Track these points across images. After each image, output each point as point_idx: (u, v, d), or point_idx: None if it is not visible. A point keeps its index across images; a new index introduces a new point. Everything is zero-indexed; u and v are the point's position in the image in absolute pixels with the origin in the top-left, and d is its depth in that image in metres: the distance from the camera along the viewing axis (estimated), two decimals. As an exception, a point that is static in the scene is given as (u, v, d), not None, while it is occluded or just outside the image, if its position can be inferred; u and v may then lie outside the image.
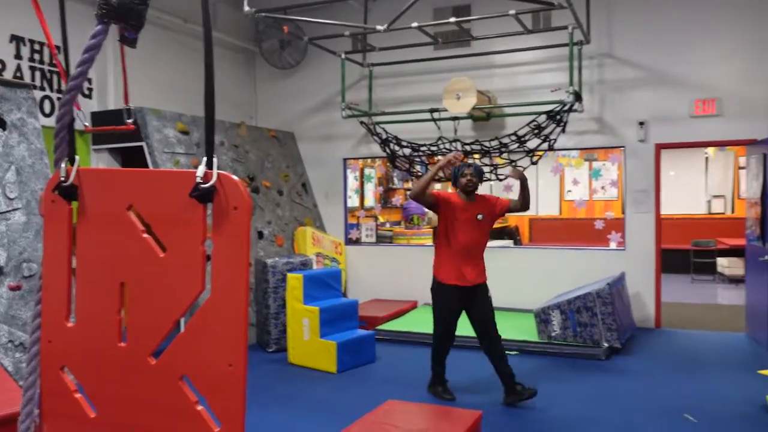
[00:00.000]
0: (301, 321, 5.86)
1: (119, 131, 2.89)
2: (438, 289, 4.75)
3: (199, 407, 1.54)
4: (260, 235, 7.48)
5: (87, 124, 1.94)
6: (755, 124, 6.83)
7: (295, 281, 5.95)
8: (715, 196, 12.62)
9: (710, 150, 12.17)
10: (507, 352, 6.24)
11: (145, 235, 1.56)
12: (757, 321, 6.61)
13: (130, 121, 2.08)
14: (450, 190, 5.36)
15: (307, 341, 5.82)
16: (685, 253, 11.16)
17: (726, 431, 4.17)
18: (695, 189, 12.67)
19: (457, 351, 6.42)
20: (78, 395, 1.66)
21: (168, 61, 7.61)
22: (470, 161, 4.90)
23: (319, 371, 5.69)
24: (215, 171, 1.45)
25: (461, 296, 4.66)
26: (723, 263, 10.80)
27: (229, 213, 1.45)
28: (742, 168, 11.18)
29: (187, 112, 7.12)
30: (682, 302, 8.84)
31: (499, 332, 4.79)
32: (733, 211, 12.37)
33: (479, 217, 4.65)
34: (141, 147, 6.55)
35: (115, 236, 1.60)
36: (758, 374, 4.88)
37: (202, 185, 1.46)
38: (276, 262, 6.47)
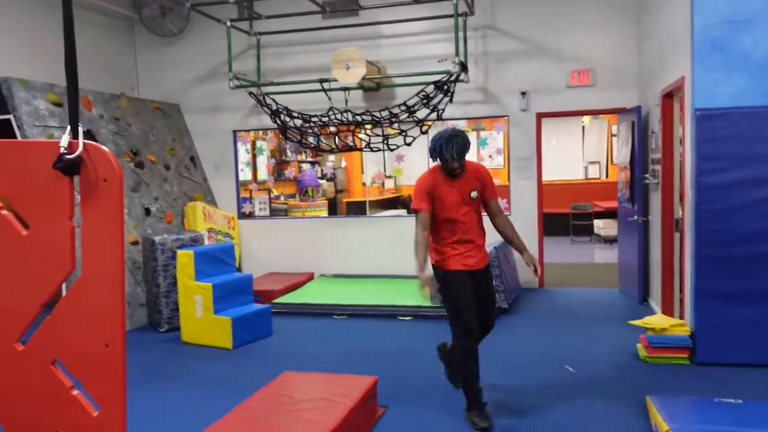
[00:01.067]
0: (194, 298, 5.71)
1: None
2: (445, 277, 3.87)
3: (75, 392, 1.47)
4: (147, 211, 7.17)
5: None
6: (625, 94, 7.30)
7: (185, 258, 5.77)
8: (591, 162, 13.45)
9: (586, 118, 12.93)
10: (402, 318, 6.46)
11: (4, 212, 1.45)
12: (627, 277, 7.16)
13: None
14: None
15: (201, 318, 5.68)
16: (565, 217, 11.87)
17: (601, 379, 4.51)
18: (573, 156, 13.44)
19: (358, 320, 6.51)
20: (-64, 388, 1.53)
21: (37, 28, 7.02)
22: (455, 130, 3.75)
23: (215, 348, 5.59)
24: (81, 140, 1.37)
25: (469, 280, 3.84)
26: (599, 225, 11.57)
27: (98, 185, 1.37)
28: (615, 135, 11.96)
29: (61, 82, 6.63)
30: (563, 262, 9.41)
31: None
32: (607, 176, 13.25)
33: (473, 194, 3.85)
34: (8, 121, 6.05)
35: (-31, 214, 1.47)
36: (629, 325, 5.31)
37: (67, 156, 1.37)
38: (165, 239, 6.24)
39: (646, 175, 6.59)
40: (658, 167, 6.07)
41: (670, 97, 5.77)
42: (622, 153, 7.36)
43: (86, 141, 1.40)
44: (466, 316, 3.79)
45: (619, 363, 4.83)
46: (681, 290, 5.43)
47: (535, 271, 3.87)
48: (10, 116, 6.04)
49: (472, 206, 3.89)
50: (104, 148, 1.40)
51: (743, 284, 4.56)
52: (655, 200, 6.31)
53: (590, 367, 4.73)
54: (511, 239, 3.99)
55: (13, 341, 1.44)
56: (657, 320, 4.92)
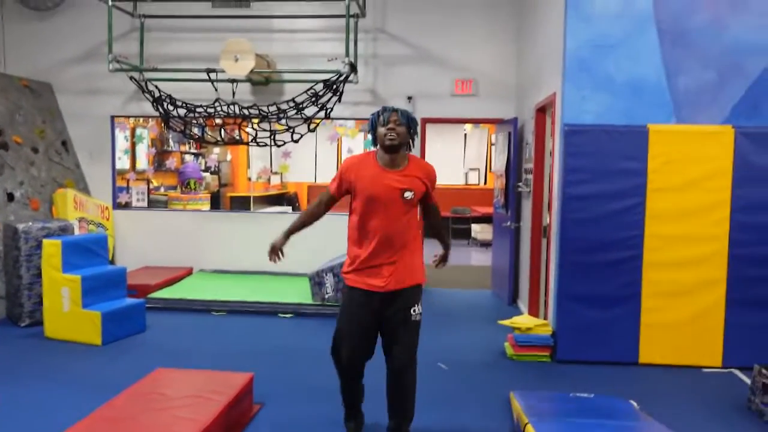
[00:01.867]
0: (60, 291, 5.38)
1: None
2: (342, 293, 3.36)
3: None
4: (10, 197, 6.65)
5: None
6: (504, 105, 7.72)
7: (52, 248, 5.42)
8: (471, 169, 14.05)
9: (468, 126, 13.49)
10: (282, 315, 6.43)
11: None
12: (499, 279, 7.56)
13: None
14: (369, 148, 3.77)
15: (68, 312, 5.37)
16: (445, 220, 12.31)
17: (471, 375, 4.75)
18: (455, 162, 13.97)
19: (239, 317, 6.40)
20: None
21: None
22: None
23: (82, 344, 5.30)
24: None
25: (372, 307, 3.17)
26: (476, 229, 12.12)
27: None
28: (494, 144, 12.57)
29: None
30: (442, 264, 9.75)
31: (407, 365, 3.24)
32: (485, 183, 13.88)
33: (407, 195, 3.13)
34: None
35: None
36: (498, 324, 5.62)
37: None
38: (30, 227, 5.82)
39: (520, 184, 7.00)
40: (531, 177, 6.47)
41: (543, 111, 6.17)
42: (498, 161, 7.76)
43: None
44: (348, 344, 3.26)
45: (488, 360, 5.11)
46: (546, 293, 5.83)
47: (439, 261, 3.58)
48: None
49: (402, 210, 3.14)
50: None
51: (600, 288, 4.97)
52: (527, 208, 6.71)
53: (462, 365, 4.97)
54: (441, 236, 3.61)
55: None
56: (523, 320, 5.25)
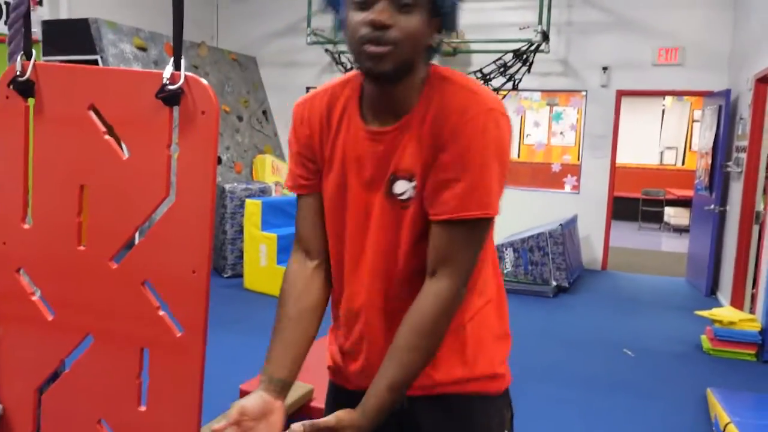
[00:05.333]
0: (259, 247, 5.86)
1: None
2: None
3: (161, 313, 1.54)
4: (219, 160, 7.35)
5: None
6: (714, 76, 6.95)
7: (253, 207, 5.91)
8: (668, 148, 12.91)
9: (667, 100, 12.39)
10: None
11: (107, 137, 1.51)
12: (697, 267, 6.91)
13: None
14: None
15: (264, 267, 5.84)
16: (634, 202, 11.50)
17: (660, 365, 4.41)
18: (649, 139, 12.92)
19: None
20: (35, 298, 1.63)
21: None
22: None
23: (275, 297, 5.69)
24: (183, 72, 1.40)
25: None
26: (670, 213, 11.18)
27: (196, 117, 1.41)
28: (696, 121, 11.43)
29: (145, 27, 6.81)
30: (628, 247, 9.16)
31: None
32: (683, 163, 12.71)
33: (397, 188, 1.21)
34: (95, 61, 6.28)
35: (74, 137, 1.54)
36: (695, 315, 5.14)
37: (169, 87, 1.40)
38: (234, 187, 6.40)
39: (729, 163, 6.30)
40: (743, 156, 5.79)
41: (764, 81, 5.46)
42: (704, 138, 7.04)
43: (187, 74, 1.43)
44: None
45: (680, 352, 4.71)
46: (754, 285, 5.21)
47: None
48: (97, 57, 6.25)
49: (393, 211, 1.25)
50: (204, 81, 1.44)
51: (824, 284, 4.34)
52: (736, 190, 6.03)
53: (650, 354, 4.63)
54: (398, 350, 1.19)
55: (107, 260, 1.52)
56: (726, 313, 4.76)
